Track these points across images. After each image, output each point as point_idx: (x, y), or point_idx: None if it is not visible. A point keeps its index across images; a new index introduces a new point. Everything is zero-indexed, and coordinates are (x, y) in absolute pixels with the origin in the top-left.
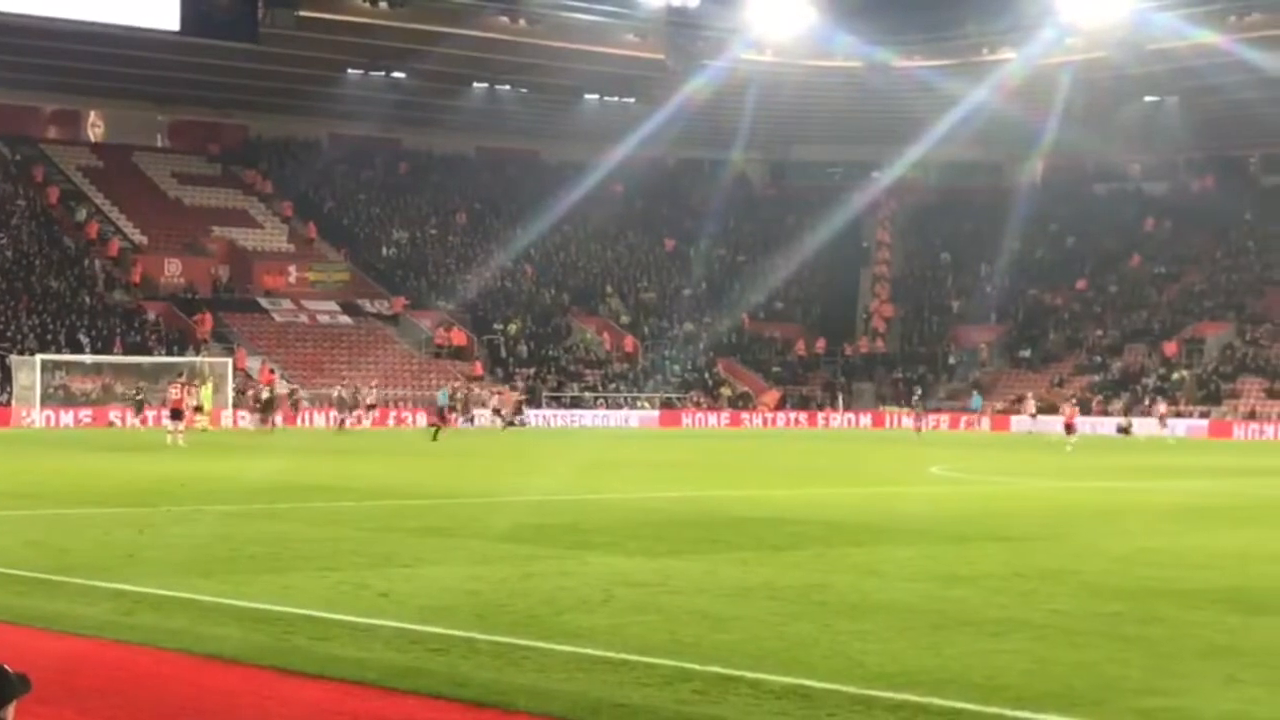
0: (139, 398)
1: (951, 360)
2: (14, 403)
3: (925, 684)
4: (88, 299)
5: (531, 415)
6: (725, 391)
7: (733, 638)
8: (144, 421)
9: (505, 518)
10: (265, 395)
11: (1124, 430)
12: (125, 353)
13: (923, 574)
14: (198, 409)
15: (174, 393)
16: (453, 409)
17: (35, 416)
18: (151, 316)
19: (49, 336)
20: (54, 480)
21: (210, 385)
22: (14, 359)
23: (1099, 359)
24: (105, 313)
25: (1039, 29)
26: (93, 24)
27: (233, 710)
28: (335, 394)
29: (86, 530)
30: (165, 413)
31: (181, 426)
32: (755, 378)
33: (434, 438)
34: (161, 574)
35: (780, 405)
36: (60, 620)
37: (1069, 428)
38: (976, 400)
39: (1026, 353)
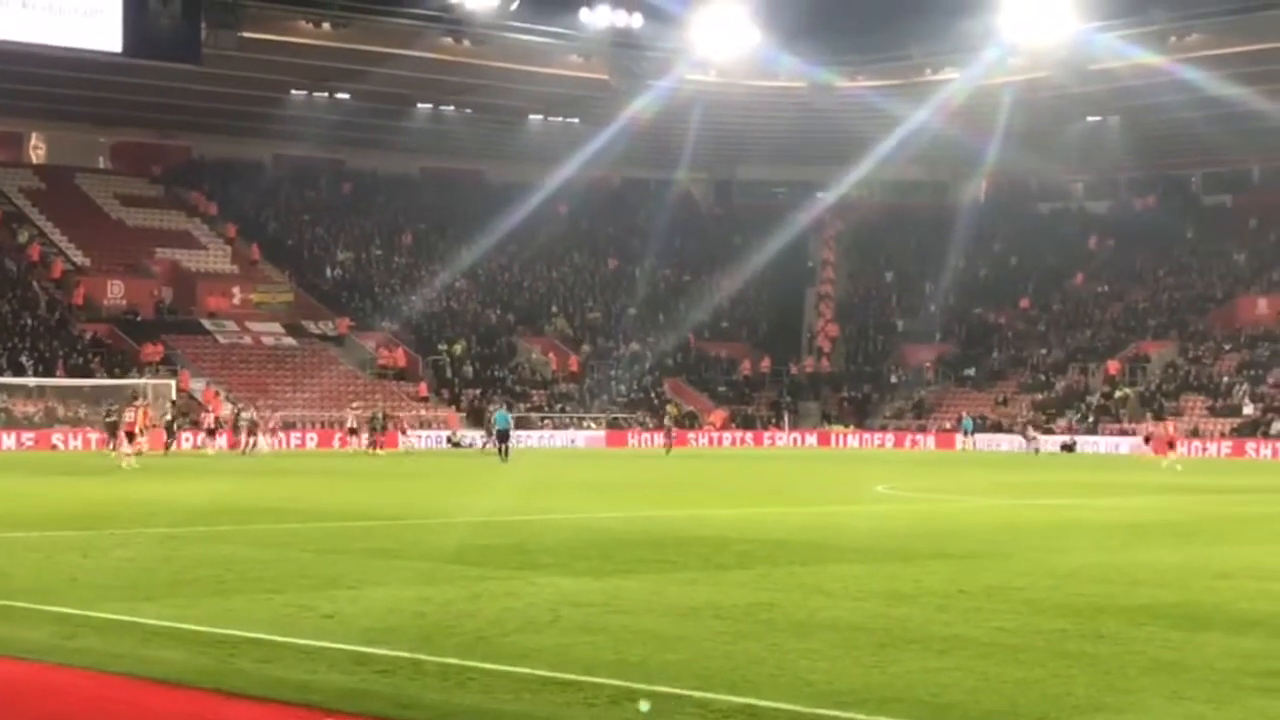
0: (110, 419)
1: (895, 379)
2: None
3: (871, 702)
4: (30, 321)
5: (476, 436)
6: (671, 411)
7: (680, 657)
8: (118, 444)
9: (452, 538)
10: (247, 417)
11: (1068, 448)
12: (68, 375)
13: (868, 592)
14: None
15: (129, 415)
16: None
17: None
18: (94, 338)
19: None
20: None
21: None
22: None
23: (1043, 377)
24: (47, 335)
25: (981, 50)
26: (33, 45)
27: None
28: (373, 414)
29: (28, 554)
30: (121, 435)
31: (133, 449)
32: (701, 397)
33: (503, 456)
34: (104, 597)
35: (727, 424)
36: (3, 644)
37: (1171, 444)
38: (968, 422)
39: (971, 371)
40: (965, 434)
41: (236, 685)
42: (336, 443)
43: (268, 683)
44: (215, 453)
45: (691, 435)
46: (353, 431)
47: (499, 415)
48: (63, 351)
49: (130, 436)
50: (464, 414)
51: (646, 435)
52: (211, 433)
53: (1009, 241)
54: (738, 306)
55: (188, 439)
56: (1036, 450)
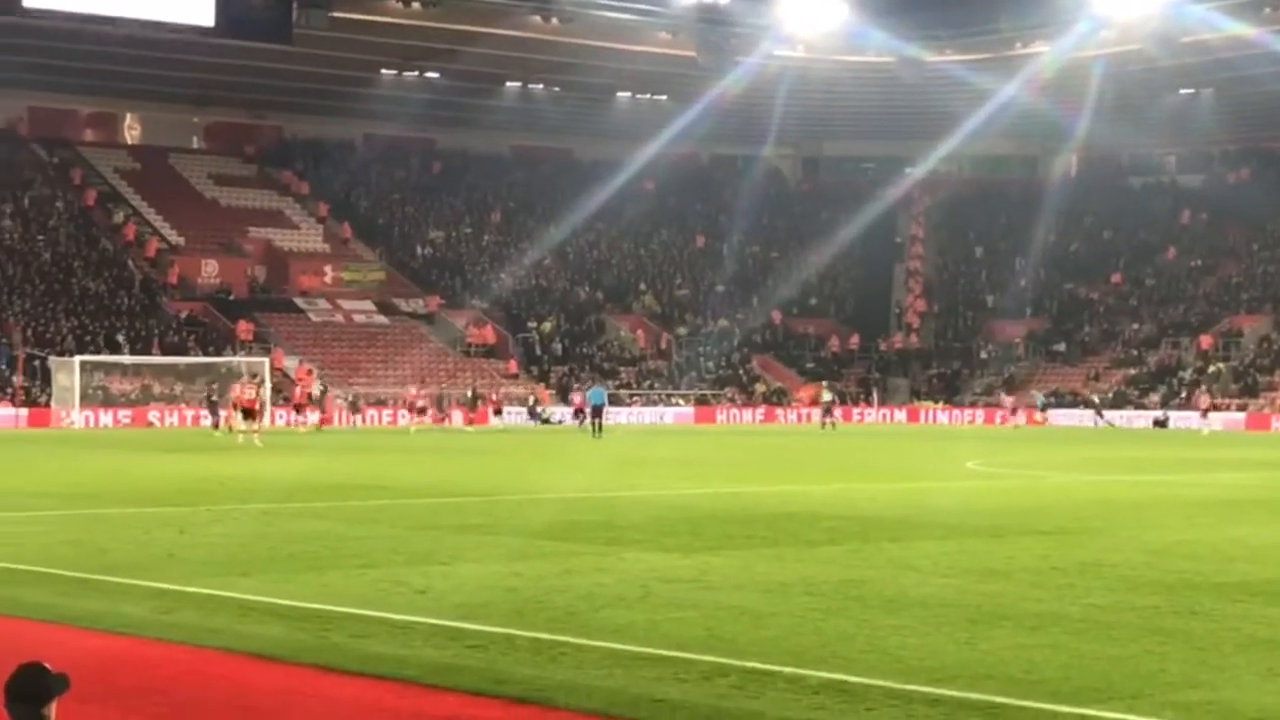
0: (213, 399)
1: (984, 355)
2: (54, 404)
3: (963, 678)
4: (126, 300)
5: (565, 413)
6: (760, 388)
7: (770, 633)
8: (216, 424)
9: (542, 514)
10: (314, 393)
11: (1160, 424)
12: (163, 353)
13: (959, 569)
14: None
15: (248, 393)
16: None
17: (75, 417)
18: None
19: (88, 338)
20: (94, 481)
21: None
22: (53, 360)
23: (1135, 352)
24: (143, 314)
25: (1072, 22)
26: (126, 20)
27: (274, 708)
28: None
29: (127, 530)
30: (237, 413)
31: (256, 426)
32: (790, 373)
33: (597, 433)
34: (201, 573)
35: (816, 401)
36: (101, 619)
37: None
38: (1039, 399)
39: (1061, 347)
40: (1040, 410)
41: (332, 660)
42: (403, 419)
43: (363, 657)
44: (306, 430)
45: (779, 412)
46: (421, 410)
47: (593, 392)
48: (158, 330)
49: (249, 414)
50: (553, 391)
51: (735, 411)
52: (300, 409)
53: (1100, 216)
54: (826, 283)
55: (280, 415)
56: (1107, 424)
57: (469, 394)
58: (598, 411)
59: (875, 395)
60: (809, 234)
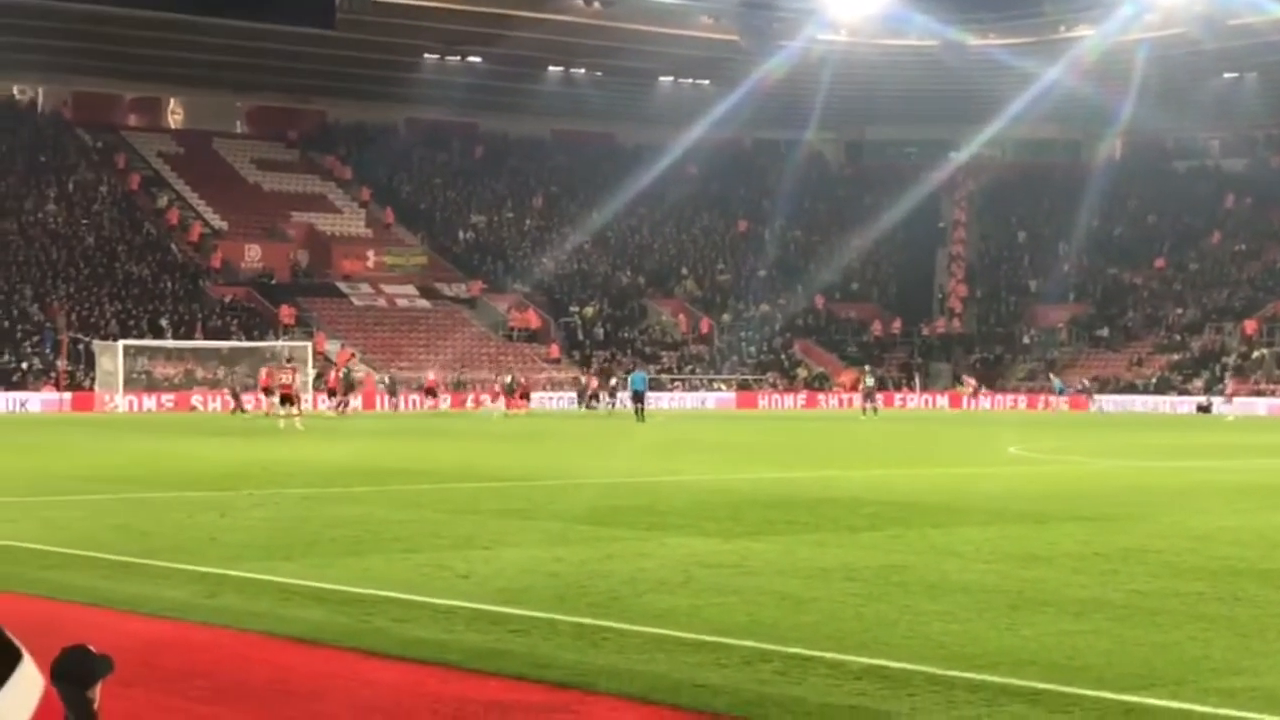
0: (234, 386)
1: (1027, 340)
2: (97, 388)
3: (1005, 664)
4: (169, 284)
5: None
6: (801, 373)
7: (812, 619)
8: (238, 409)
9: (583, 499)
10: (346, 377)
11: (1204, 409)
12: (206, 338)
13: (1001, 554)
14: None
15: (283, 377)
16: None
17: (118, 401)
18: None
19: (131, 322)
20: (137, 464)
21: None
22: (97, 344)
23: (1178, 338)
24: (186, 298)
25: (1117, 5)
26: (170, 2)
27: (317, 691)
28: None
29: (169, 513)
30: (274, 398)
31: (296, 410)
32: (831, 358)
33: (640, 417)
34: (243, 556)
35: (856, 386)
36: (144, 602)
37: None
38: (1058, 384)
39: (1104, 332)
40: (1057, 394)
41: (374, 644)
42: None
43: (405, 642)
44: (340, 414)
45: (821, 397)
46: (430, 393)
47: (635, 376)
48: (201, 314)
49: (287, 399)
50: (595, 376)
51: (776, 397)
52: (332, 394)
53: (1144, 200)
54: (868, 267)
55: (322, 401)
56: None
57: (508, 380)
58: (639, 396)
59: (917, 380)
60: (851, 218)
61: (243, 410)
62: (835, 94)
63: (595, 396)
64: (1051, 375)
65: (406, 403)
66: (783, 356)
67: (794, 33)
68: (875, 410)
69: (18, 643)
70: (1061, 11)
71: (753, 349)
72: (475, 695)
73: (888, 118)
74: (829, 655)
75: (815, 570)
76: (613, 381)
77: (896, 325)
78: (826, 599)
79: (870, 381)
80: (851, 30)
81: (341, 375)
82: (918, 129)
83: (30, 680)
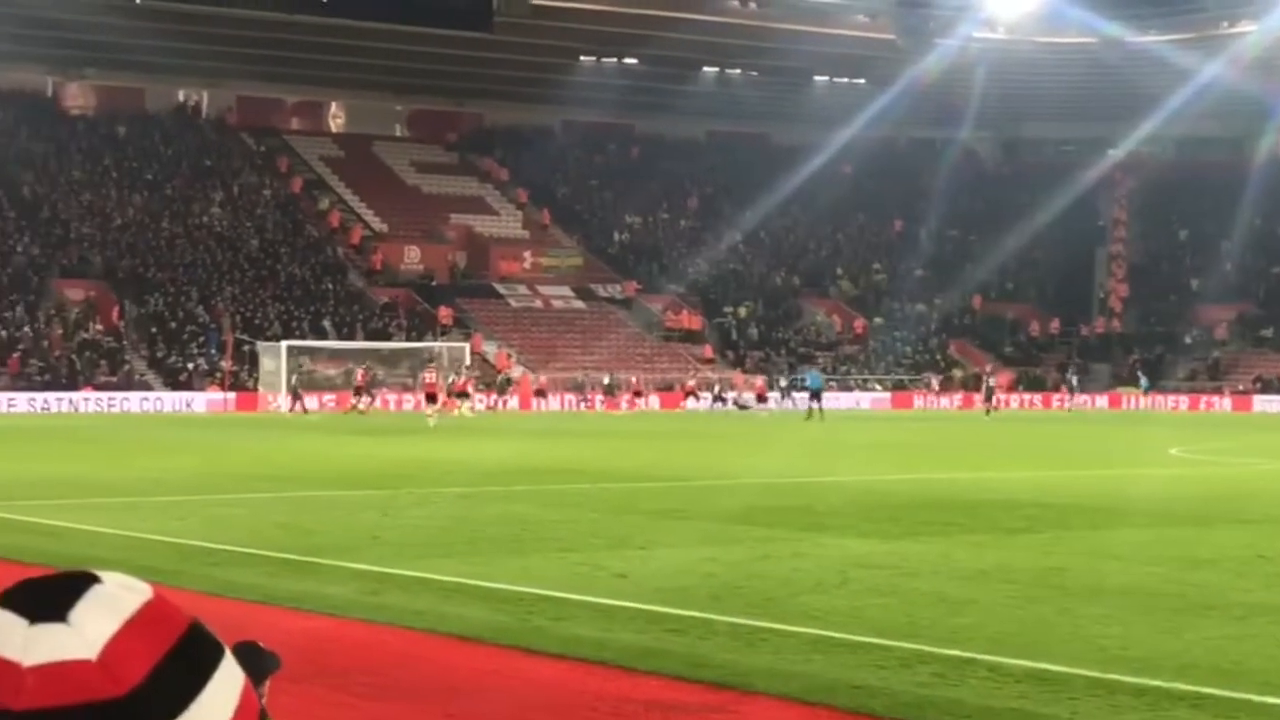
0: (295, 386)
1: (1188, 340)
2: (260, 388)
3: (1167, 669)
4: (330, 286)
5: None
6: (957, 373)
7: (970, 620)
8: (299, 409)
9: (739, 499)
10: (500, 379)
11: None
12: (366, 339)
13: (1162, 557)
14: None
15: (429, 377)
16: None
17: (281, 401)
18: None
19: (294, 323)
20: (300, 463)
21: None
22: (260, 345)
23: None
24: (347, 299)
25: (1278, 1)
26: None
27: (478, 689)
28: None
29: (332, 512)
30: (421, 396)
31: (435, 409)
32: (988, 358)
33: (809, 417)
34: (405, 554)
35: (1013, 386)
36: (309, 600)
37: None
38: (1144, 382)
39: (1268, 332)
40: (1143, 392)
41: (534, 642)
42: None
43: (564, 640)
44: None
45: (977, 397)
46: (463, 395)
47: (812, 376)
48: (361, 315)
49: (432, 398)
50: (749, 376)
51: (932, 397)
52: (464, 395)
53: None
54: (1025, 267)
55: (481, 400)
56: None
57: (605, 381)
58: (816, 395)
59: (1075, 380)
60: (1008, 217)
61: (305, 411)
62: (991, 92)
63: (762, 398)
64: (1140, 374)
65: (564, 402)
66: (938, 356)
67: (950, 30)
68: (993, 410)
69: (219, 638)
70: (1223, 7)
71: (908, 349)
72: (633, 694)
73: (1045, 115)
74: (988, 658)
75: (974, 572)
76: (783, 383)
77: (1054, 325)
78: (985, 601)
79: (992, 382)
80: (1009, 27)
81: (516, 374)
82: (1075, 127)
83: (233, 677)
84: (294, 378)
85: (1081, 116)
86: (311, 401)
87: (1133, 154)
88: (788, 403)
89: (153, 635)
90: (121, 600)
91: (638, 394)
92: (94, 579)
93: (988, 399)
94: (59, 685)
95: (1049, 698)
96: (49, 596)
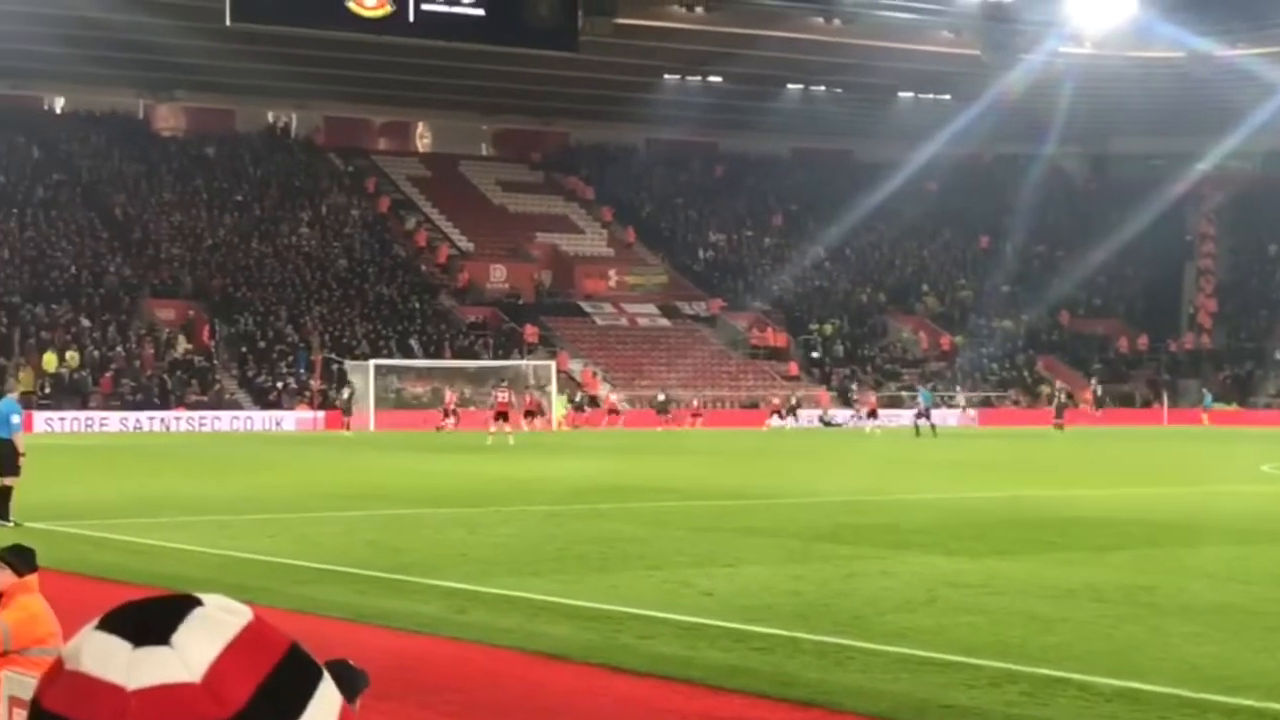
0: (338, 404)
1: (1279, 355)
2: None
3: (1260, 688)
4: (418, 305)
5: (843, 414)
6: (1045, 389)
7: (1059, 639)
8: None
9: (824, 517)
10: (578, 397)
11: None
12: (453, 357)
13: (1256, 575)
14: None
15: (501, 396)
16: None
17: (369, 419)
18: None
19: (381, 342)
20: (389, 482)
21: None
22: (349, 364)
23: None
24: (435, 318)
25: None
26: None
27: (566, 707)
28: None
29: (420, 530)
30: (490, 414)
31: (507, 427)
32: (1075, 375)
33: (924, 434)
34: (492, 572)
35: (1101, 403)
36: (398, 618)
37: None
38: (1208, 398)
39: None
40: (1205, 409)
41: (621, 660)
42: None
43: (651, 658)
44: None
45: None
46: (529, 415)
47: (923, 394)
48: (448, 334)
49: (503, 416)
50: (834, 393)
51: (1019, 413)
52: (530, 415)
53: None
54: (1113, 283)
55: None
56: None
57: (659, 397)
58: (927, 412)
59: (1165, 397)
60: (1095, 232)
61: (348, 429)
62: (1078, 107)
63: (874, 414)
64: (1204, 390)
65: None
66: (1025, 373)
67: (1036, 46)
68: (1062, 428)
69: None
70: None
71: (994, 365)
72: (719, 712)
73: (1132, 130)
74: (1078, 677)
75: (1062, 590)
76: (921, 403)
77: (1143, 341)
78: (1074, 619)
79: (1063, 398)
80: (1096, 43)
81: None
82: (1163, 141)
83: (331, 698)
84: (346, 392)
85: (1169, 131)
86: (361, 420)
87: (1220, 168)
88: (923, 422)
89: (254, 657)
90: (223, 623)
91: (696, 414)
92: (195, 601)
93: (1059, 415)
94: (164, 708)
95: (1139, 717)
96: (151, 620)
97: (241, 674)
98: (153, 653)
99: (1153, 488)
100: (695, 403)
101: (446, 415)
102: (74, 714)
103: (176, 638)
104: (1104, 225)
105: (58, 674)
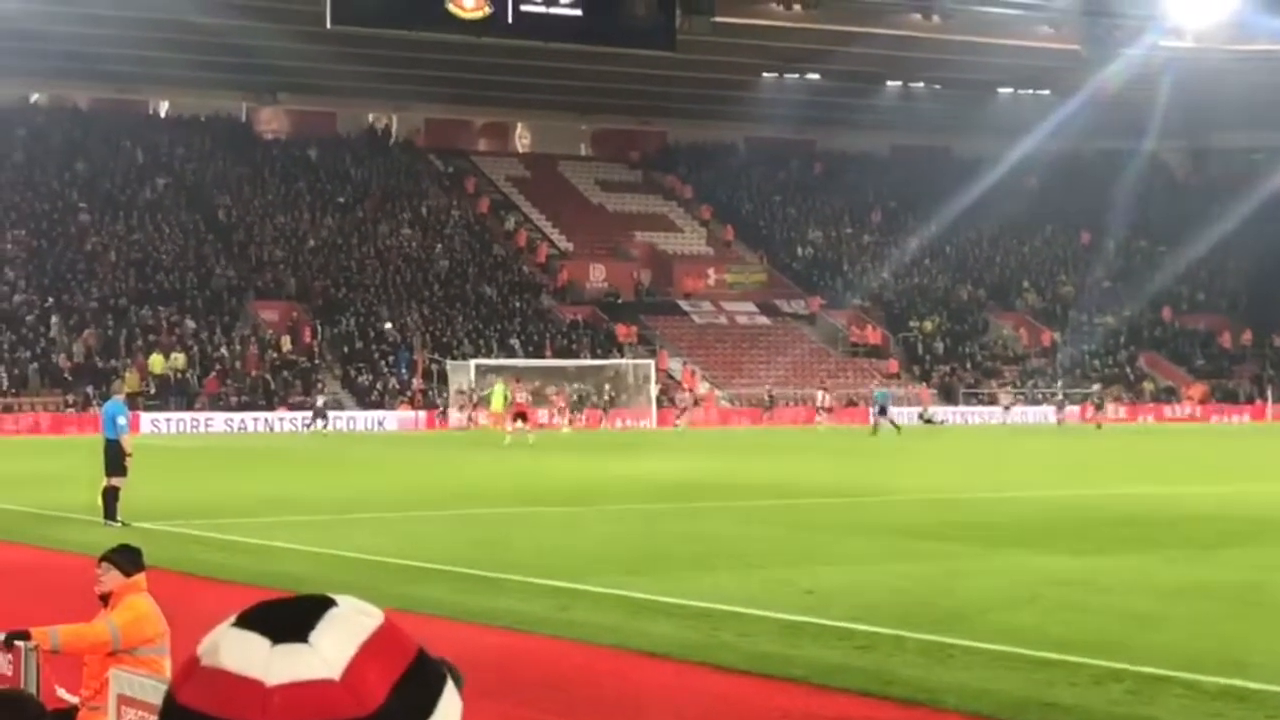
0: (319, 407)
1: None
2: (451, 406)
3: None
4: (518, 305)
5: (949, 412)
6: (1148, 386)
7: (1165, 638)
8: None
9: (927, 515)
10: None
11: None
12: (554, 357)
13: None
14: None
15: (520, 396)
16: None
17: (463, 417)
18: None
19: (482, 341)
20: (489, 480)
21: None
22: (450, 364)
23: None
24: (535, 318)
25: None
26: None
27: (667, 705)
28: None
29: (521, 528)
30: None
31: (526, 426)
32: (1179, 371)
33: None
34: (593, 571)
35: (1206, 399)
36: (500, 616)
37: None
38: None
39: None
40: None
41: (721, 659)
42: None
43: (751, 656)
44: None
45: (1168, 410)
46: (522, 417)
47: (878, 392)
48: (549, 334)
49: (523, 415)
50: (935, 391)
51: (1122, 410)
52: (523, 418)
53: None
54: (1216, 277)
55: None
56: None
57: (688, 395)
58: (884, 410)
59: (1270, 393)
60: (1197, 227)
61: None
62: (1178, 101)
63: (1008, 408)
64: (1268, 388)
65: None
66: (1128, 369)
67: (1136, 40)
68: (1099, 425)
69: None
70: None
71: (1096, 362)
72: (821, 710)
73: (1234, 124)
74: (1184, 675)
75: (1167, 588)
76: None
77: (1246, 336)
78: (1181, 618)
79: (1098, 399)
80: (1197, 36)
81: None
82: (1267, 135)
83: (455, 701)
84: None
85: (1271, 124)
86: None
87: None
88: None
89: (388, 658)
90: (358, 623)
91: (829, 410)
92: (330, 602)
93: (1098, 410)
94: (305, 704)
95: (1246, 715)
96: (289, 618)
97: (378, 674)
98: (292, 650)
99: (1260, 485)
100: (822, 397)
101: (516, 418)
102: (214, 709)
103: (315, 636)
104: (1205, 220)
105: (193, 670)
